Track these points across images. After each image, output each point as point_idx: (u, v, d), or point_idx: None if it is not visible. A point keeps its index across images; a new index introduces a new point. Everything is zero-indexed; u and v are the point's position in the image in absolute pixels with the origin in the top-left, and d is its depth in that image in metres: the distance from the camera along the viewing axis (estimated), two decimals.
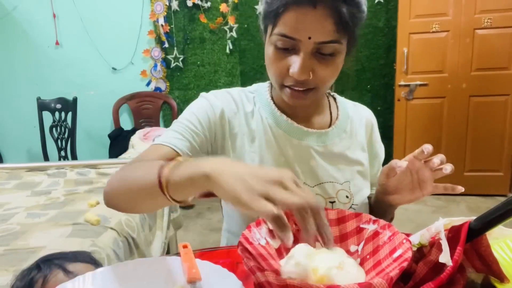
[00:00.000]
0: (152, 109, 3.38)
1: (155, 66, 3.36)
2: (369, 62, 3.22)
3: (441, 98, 3.06)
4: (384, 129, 3.21)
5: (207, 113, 0.79)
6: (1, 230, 1.43)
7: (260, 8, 0.75)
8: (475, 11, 2.87)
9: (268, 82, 0.87)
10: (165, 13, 3.24)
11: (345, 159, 0.83)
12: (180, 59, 3.33)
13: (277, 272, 0.58)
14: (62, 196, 1.81)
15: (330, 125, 0.85)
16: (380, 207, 0.82)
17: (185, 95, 3.43)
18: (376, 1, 3.08)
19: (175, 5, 3.22)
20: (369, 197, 0.88)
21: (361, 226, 0.66)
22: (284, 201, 0.43)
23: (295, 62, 0.68)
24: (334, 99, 0.90)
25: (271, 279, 0.48)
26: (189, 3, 3.18)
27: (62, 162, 2.58)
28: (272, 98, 0.84)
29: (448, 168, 0.64)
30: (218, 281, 0.56)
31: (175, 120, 0.80)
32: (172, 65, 3.35)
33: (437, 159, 0.65)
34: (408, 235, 0.59)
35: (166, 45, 3.31)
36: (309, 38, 0.65)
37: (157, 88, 3.41)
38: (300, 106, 0.78)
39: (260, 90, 0.85)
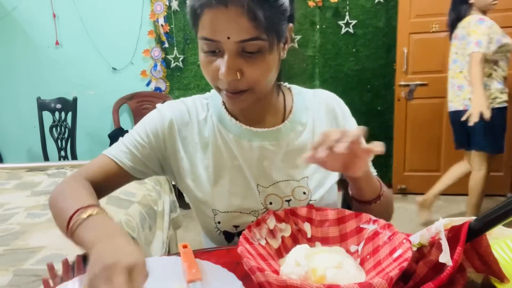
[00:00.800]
0: (152, 109, 3.36)
1: (155, 66, 3.36)
2: (369, 62, 3.22)
3: (441, 98, 3.05)
4: (384, 129, 3.22)
5: (156, 124, 0.82)
6: (1, 230, 1.43)
7: None
8: None
9: None
10: (165, 13, 3.24)
11: (303, 153, 0.80)
12: (180, 59, 3.33)
13: (277, 273, 0.58)
14: None
15: (283, 121, 0.82)
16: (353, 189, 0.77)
17: (185, 95, 3.38)
18: (376, 1, 3.08)
19: (175, 5, 3.22)
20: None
21: (361, 226, 0.66)
22: None
23: (221, 64, 0.67)
24: (290, 92, 0.87)
25: (271, 279, 0.48)
26: None
27: (62, 162, 2.58)
28: (224, 103, 0.83)
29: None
30: (218, 281, 0.56)
31: (129, 131, 0.84)
32: (172, 65, 3.35)
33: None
34: (408, 235, 0.59)
35: (166, 45, 3.31)
36: (228, 38, 0.65)
37: (157, 88, 3.41)
38: (240, 108, 0.76)
39: (215, 96, 0.85)
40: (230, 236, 0.82)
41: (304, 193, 0.80)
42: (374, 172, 0.84)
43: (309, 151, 0.63)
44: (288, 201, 0.80)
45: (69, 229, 0.61)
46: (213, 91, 0.84)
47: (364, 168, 0.68)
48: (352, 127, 0.86)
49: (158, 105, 0.86)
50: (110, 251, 0.51)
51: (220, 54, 0.68)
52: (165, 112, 0.83)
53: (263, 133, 0.80)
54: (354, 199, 0.78)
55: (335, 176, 0.83)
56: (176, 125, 0.82)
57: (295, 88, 0.88)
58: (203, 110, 0.84)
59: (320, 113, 0.84)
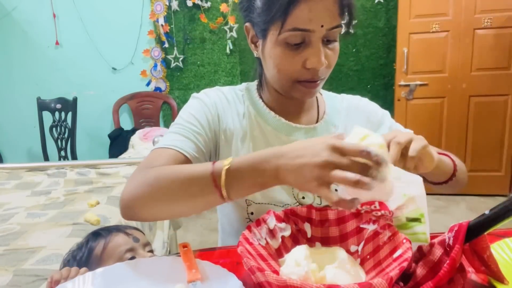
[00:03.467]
0: (152, 109, 3.38)
1: (155, 66, 3.36)
2: (369, 62, 3.22)
3: (441, 98, 3.06)
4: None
5: (204, 112, 0.79)
6: (1, 230, 1.43)
7: (253, 15, 0.73)
8: (475, 11, 2.87)
9: (256, 81, 0.87)
10: (165, 13, 3.24)
11: None
12: (180, 59, 3.33)
13: (276, 273, 0.58)
14: (62, 196, 1.81)
15: (317, 121, 0.85)
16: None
17: (185, 95, 3.43)
18: (376, 1, 3.08)
19: (175, 5, 3.22)
20: None
21: (361, 226, 0.66)
22: (339, 181, 0.51)
23: (312, 54, 0.69)
24: (321, 94, 0.91)
25: (271, 279, 0.48)
26: (189, 3, 3.18)
27: (62, 162, 2.58)
28: (261, 97, 0.85)
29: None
30: (218, 281, 0.56)
31: (172, 123, 0.79)
32: (172, 65, 3.35)
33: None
34: None
35: (166, 45, 3.31)
36: (322, 26, 0.67)
37: (157, 88, 3.41)
38: (310, 98, 0.81)
39: (249, 89, 0.86)
40: None
41: (336, 190, 0.81)
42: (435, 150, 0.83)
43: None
44: (320, 196, 0.81)
45: (216, 177, 0.58)
46: (246, 84, 0.87)
47: (432, 164, 0.68)
48: (388, 120, 0.89)
49: (195, 95, 0.84)
50: (301, 158, 0.53)
51: (305, 45, 0.69)
52: (207, 100, 0.81)
53: (301, 129, 0.82)
54: (429, 182, 0.81)
55: None
56: (219, 111, 0.81)
57: (324, 91, 0.91)
58: (239, 101, 0.84)
59: (351, 117, 0.87)
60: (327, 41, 0.70)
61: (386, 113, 0.90)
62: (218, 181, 0.58)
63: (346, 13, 0.70)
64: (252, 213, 0.80)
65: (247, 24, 0.77)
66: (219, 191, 0.58)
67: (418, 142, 0.64)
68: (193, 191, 0.60)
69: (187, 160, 0.71)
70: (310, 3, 0.65)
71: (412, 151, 0.62)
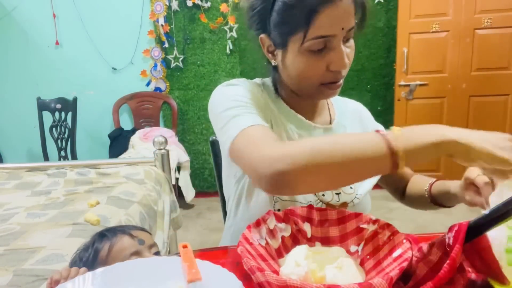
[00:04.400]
0: (152, 109, 3.38)
1: (155, 66, 3.36)
2: (369, 62, 3.22)
3: (441, 98, 3.06)
4: (384, 129, 3.22)
5: (257, 96, 0.78)
6: (1, 230, 1.43)
7: (270, 27, 0.74)
8: (475, 11, 2.87)
9: (269, 78, 0.88)
10: (165, 13, 3.24)
11: None
12: (180, 59, 3.33)
13: (276, 273, 0.58)
14: (62, 196, 1.81)
15: (330, 121, 0.89)
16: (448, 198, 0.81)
17: (185, 95, 3.43)
18: (376, 1, 3.09)
19: (175, 5, 3.22)
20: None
21: (361, 226, 0.66)
22: None
23: (336, 57, 0.71)
24: None
25: (271, 279, 0.48)
26: (189, 3, 3.18)
27: (62, 162, 2.58)
28: (279, 95, 0.86)
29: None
30: (218, 281, 0.56)
31: (227, 108, 0.73)
32: (172, 65, 3.35)
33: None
34: (408, 235, 0.59)
35: (166, 45, 3.31)
36: (342, 29, 0.69)
37: (157, 88, 3.41)
38: (333, 97, 0.83)
39: (266, 84, 0.87)
40: None
41: (351, 187, 0.84)
42: None
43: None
44: (338, 194, 0.83)
45: (397, 150, 0.54)
46: (261, 80, 0.87)
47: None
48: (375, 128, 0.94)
49: (232, 82, 0.81)
50: (486, 134, 0.56)
51: (328, 49, 0.71)
52: (248, 86, 0.79)
53: (320, 128, 0.85)
54: (437, 204, 0.84)
55: (374, 179, 0.88)
56: (258, 101, 0.79)
57: None
58: (261, 96, 0.83)
59: (353, 120, 0.92)
60: (346, 41, 0.72)
61: (378, 125, 0.96)
62: (393, 142, 0.54)
63: (360, 10, 0.72)
64: (279, 210, 0.80)
65: (263, 35, 0.78)
66: (393, 156, 0.54)
67: None
68: (362, 157, 0.55)
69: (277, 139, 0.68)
70: (330, 10, 0.67)
71: None
